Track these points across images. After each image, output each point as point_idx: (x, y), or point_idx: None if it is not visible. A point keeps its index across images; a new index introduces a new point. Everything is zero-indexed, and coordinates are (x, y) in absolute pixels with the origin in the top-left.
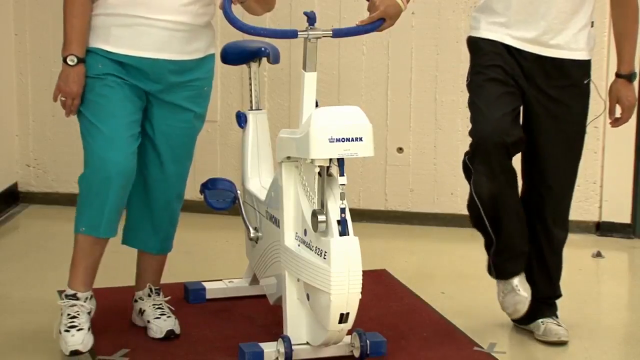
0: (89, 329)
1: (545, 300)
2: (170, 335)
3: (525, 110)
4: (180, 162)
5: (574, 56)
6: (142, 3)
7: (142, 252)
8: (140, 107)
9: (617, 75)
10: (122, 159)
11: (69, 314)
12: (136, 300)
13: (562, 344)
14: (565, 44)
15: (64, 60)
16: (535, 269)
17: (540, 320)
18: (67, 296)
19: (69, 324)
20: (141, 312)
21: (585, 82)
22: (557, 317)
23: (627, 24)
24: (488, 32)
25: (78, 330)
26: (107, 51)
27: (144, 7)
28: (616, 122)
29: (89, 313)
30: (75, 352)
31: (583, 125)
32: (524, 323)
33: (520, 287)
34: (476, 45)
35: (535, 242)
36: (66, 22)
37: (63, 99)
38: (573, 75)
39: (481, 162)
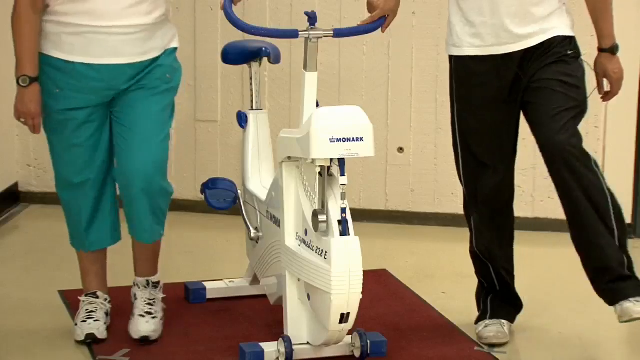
0: (105, 324)
1: (621, 275)
2: (144, 341)
3: (523, 97)
4: (151, 139)
5: (550, 35)
6: (85, 12)
7: (133, 240)
8: (102, 122)
9: (600, 50)
10: (86, 180)
11: (87, 309)
12: (134, 284)
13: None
14: (539, 30)
15: (17, 82)
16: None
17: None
18: (87, 295)
19: (86, 316)
20: (135, 297)
21: (570, 52)
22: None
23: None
24: (470, 48)
25: (95, 320)
26: (62, 60)
27: (89, 16)
28: (607, 97)
29: (106, 313)
30: (90, 336)
31: (581, 82)
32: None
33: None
34: (458, 65)
35: (572, 208)
36: (16, 43)
37: (22, 120)
38: (556, 51)
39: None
